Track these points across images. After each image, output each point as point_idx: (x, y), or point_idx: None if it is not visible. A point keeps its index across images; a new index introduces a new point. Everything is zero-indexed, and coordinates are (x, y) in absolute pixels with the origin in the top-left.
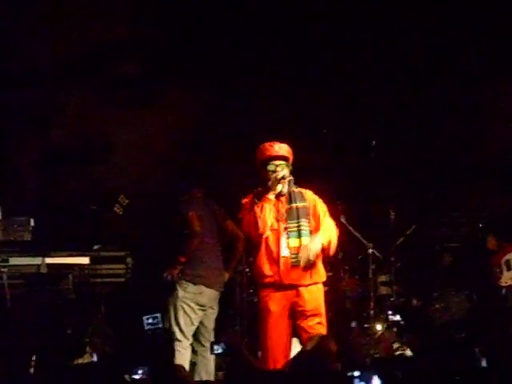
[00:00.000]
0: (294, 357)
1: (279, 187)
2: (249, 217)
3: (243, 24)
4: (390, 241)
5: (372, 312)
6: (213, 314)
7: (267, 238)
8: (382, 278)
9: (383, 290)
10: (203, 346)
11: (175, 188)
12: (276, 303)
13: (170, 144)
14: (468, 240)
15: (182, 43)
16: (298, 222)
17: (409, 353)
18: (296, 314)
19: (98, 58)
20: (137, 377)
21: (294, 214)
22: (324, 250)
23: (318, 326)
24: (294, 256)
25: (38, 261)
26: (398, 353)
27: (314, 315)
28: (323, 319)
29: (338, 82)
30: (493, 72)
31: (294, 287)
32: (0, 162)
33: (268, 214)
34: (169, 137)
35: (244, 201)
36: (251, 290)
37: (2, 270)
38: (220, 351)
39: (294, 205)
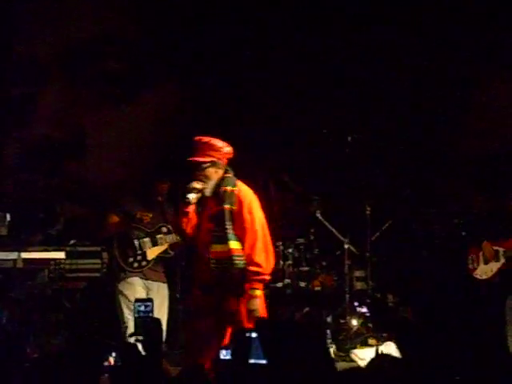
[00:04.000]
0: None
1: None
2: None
3: (221, 19)
4: (366, 236)
5: (347, 307)
6: None
7: (198, 240)
8: (358, 274)
9: (359, 286)
10: None
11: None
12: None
13: (147, 141)
14: (445, 237)
15: (161, 39)
16: (222, 226)
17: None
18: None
19: (78, 54)
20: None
21: (219, 217)
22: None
23: None
24: (213, 261)
25: (14, 255)
26: (373, 348)
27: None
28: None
29: (314, 76)
30: (479, 71)
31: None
32: None
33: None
34: (145, 133)
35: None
36: None
37: None
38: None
39: (220, 207)
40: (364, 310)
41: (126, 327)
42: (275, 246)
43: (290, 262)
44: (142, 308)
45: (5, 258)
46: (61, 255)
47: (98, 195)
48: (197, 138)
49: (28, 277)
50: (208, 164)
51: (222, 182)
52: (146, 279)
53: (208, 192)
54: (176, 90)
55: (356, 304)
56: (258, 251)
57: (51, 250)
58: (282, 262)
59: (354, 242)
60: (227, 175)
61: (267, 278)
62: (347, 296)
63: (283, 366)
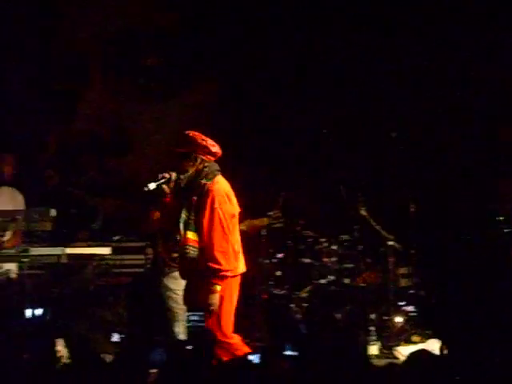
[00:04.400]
0: None
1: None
2: None
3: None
4: (410, 233)
5: (392, 304)
6: None
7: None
8: (402, 271)
9: (403, 283)
10: None
11: None
12: None
13: None
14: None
15: (203, 35)
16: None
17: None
18: None
19: (121, 51)
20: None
21: (188, 208)
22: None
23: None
24: (177, 248)
25: (58, 251)
26: (417, 345)
27: None
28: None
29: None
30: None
31: None
32: (21, 151)
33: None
34: (186, 129)
35: None
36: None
37: (23, 260)
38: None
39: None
40: (408, 307)
41: (175, 321)
42: (319, 243)
43: (334, 258)
44: (195, 318)
45: (49, 253)
46: (106, 251)
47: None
48: (185, 131)
49: (72, 272)
50: (185, 156)
51: (199, 174)
52: None
53: (182, 183)
54: (216, 87)
55: (400, 302)
56: (216, 247)
57: (95, 246)
58: (326, 259)
59: (398, 238)
60: (205, 169)
61: (227, 274)
62: (391, 293)
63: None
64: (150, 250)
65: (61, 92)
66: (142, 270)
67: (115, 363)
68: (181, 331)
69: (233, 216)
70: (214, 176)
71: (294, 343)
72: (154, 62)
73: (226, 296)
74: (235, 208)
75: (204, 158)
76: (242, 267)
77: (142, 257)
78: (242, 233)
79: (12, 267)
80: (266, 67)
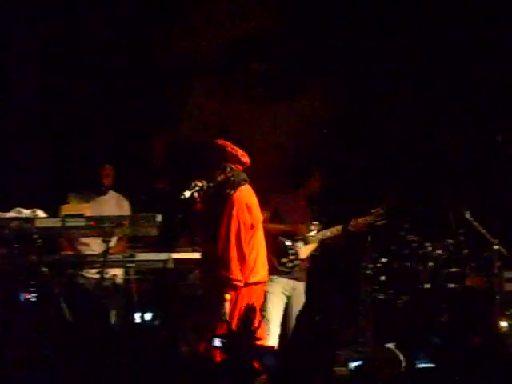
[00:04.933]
0: None
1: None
2: None
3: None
4: None
5: (497, 309)
6: None
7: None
8: (508, 275)
9: (509, 287)
10: None
11: None
12: None
13: (299, 142)
14: None
15: (313, 39)
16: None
17: None
18: None
19: (227, 55)
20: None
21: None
22: None
23: None
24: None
25: (164, 256)
26: None
27: None
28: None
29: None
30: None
31: None
32: (131, 158)
33: None
34: (297, 134)
35: None
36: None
37: (129, 265)
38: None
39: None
40: None
41: (269, 327)
42: (424, 247)
43: (438, 263)
44: None
45: (156, 258)
46: None
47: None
48: (214, 140)
49: (179, 277)
50: (214, 164)
51: (226, 184)
52: (295, 279)
53: (211, 192)
54: (324, 92)
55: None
56: (231, 255)
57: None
58: (430, 264)
59: (503, 242)
60: (231, 178)
61: (238, 284)
62: (497, 297)
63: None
64: None
65: (166, 98)
66: None
67: (222, 366)
68: (274, 332)
69: (252, 227)
70: (239, 185)
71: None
72: (262, 66)
73: (238, 306)
74: (256, 219)
75: (232, 167)
76: (261, 277)
77: None
78: (347, 233)
79: (118, 272)
80: (380, 71)
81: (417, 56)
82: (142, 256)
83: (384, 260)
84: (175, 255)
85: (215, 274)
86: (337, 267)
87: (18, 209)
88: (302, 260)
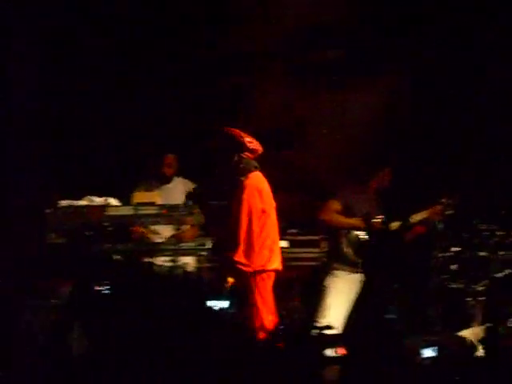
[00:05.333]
0: None
1: None
2: None
3: None
4: None
5: None
6: None
7: None
8: None
9: None
10: None
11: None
12: None
13: (366, 130)
14: None
15: (383, 27)
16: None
17: None
18: None
19: (296, 43)
20: None
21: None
22: None
23: None
24: None
25: None
26: None
27: None
28: None
29: None
30: None
31: None
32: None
33: None
34: (364, 123)
35: None
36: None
37: (201, 253)
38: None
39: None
40: None
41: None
42: (496, 236)
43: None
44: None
45: None
46: (283, 244)
47: (316, 184)
48: (223, 129)
49: None
50: (224, 152)
51: (236, 171)
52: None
53: (222, 179)
54: (394, 79)
55: None
56: (240, 239)
57: None
58: (502, 252)
59: None
60: (241, 165)
61: (241, 267)
62: None
63: None
64: (324, 244)
65: (236, 87)
66: (315, 263)
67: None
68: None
69: (263, 211)
70: (249, 172)
71: None
72: (335, 54)
73: (261, 293)
74: (267, 204)
75: (242, 154)
76: (274, 264)
77: (317, 250)
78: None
79: (189, 261)
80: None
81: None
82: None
83: (456, 249)
84: None
85: (223, 256)
86: (405, 257)
87: (89, 197)
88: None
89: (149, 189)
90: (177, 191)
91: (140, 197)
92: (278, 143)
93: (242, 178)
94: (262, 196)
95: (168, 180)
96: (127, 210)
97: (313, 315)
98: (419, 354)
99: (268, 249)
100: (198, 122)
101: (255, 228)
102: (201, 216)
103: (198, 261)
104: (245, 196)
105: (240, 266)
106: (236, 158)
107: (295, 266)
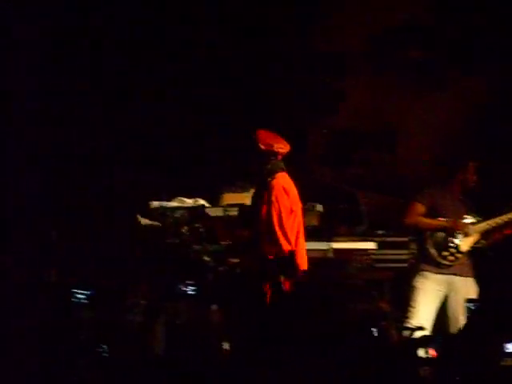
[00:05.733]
0: None
1: None
2: None
3: None
4: None
5: None
6: None
7: None
8: None
9: None
10: None
11: None
12: None
13: (458, 131)
14: None
15: (473, 27)
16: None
17: None
18: None
19: (384, 44)
20: None
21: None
22: None
23: None
24: None
25: (324, 246)
26: None
27: None
28: None
29: None
30: None
31: None
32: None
33: None
34: (456, 124)
35: None
36: None
37: None
38: None
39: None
40: None
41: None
42: None
43: None
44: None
45: (316, 248)
46: (370, 245)
47: (406, 185)
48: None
49: (337, 267)
50: (254, 154)
51: (263, 173)
52: (453, 274)
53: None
54: (484, 79)
55: None
56: (278, 234)
57: (360, 241)
58: None
59: None
60: (268, 167)
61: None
62: None
63: None
64: (414, 245)
65: (325, 89)
66: (404, 264)
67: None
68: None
69: (291, 211)
70: (276, 173)
71: None
72: (422, 54)
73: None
74: (295, 203)
75: (271, 156)
76: (300, 264)
77: (406, 251)
78: None
79: None
80: None
81: None
82: None
83: None
84: (335, 245)
85: (259, 253)
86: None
87: (180, 198)
88: (463, 253)
89: (237, 190)
90: None
91: (230, 198)
92: (367, 145)
93: (269, 179)
94: (289, 195)
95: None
96: (217, 212)
97: (403, 316)
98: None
99: (302, 246)
100: (292, 122)
101: (287, 225)
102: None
103: None
104: (273, 197)
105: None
106: (266, 160)
107: (383, 268)
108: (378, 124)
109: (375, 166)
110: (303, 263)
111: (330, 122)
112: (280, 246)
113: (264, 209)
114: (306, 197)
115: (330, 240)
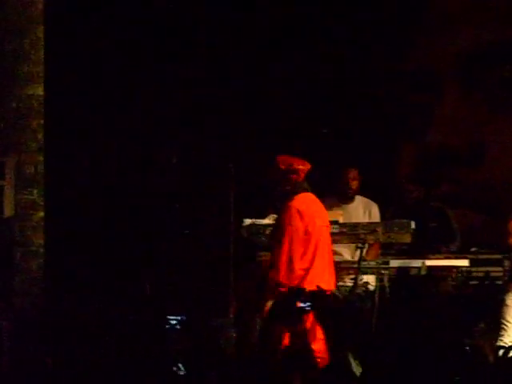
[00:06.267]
0: None
1: None
2: None
3: None
4: None
5: None
6: None
7: None
8: None
9: None
10: None
11: None
12: None
13: None
14: None
15: None
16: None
17: None
18: None
19: (476, 61)
20: None
21: None
22: None
23: None
24: None
25: (418, 263)
26: None
27: None
28: None
29: None
30: None
31: None
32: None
33: None
34: None
35: None
36: None
37: (383, 271)
38: None
39: None
40: None
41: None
42: None
43: None
44: None
45: (410, 265)
46: (464, 263)
47: (498, 202)
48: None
49: (432, 285)
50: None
51: (283, 195)
52: None
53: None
54: None
55: None
56: (282, 261)
57: (454, 258)
58: None
59: None
60: (288, 188)
61: (281, 289)
62: None
63: None
64: (507, 262)
65: (415, 106)
66: (499, 282)
67: None
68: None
69: (305, 232)
70: (295, 194)
71: None
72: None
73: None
74: (311, 225)
75: (291, 179)
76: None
77: (500, 269)
78: None
79: (370, 279)
80: None
81: None
82: (396, 263)
83: None
84: (429, 262)
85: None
86: None
87: (273, 215)
88: None
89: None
90: (359, 210)
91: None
92: (457, 161)
93: (287, 201)
94: (303, 217)
95: (351, 197)
96: None
97: (497, 334)
98: None
99: (320, 267)
100: (379, 140)
101: (296, 249)
102: (385, 235)
103: (380, 279)
104: (286, 220)
105: (281, 289)
106: (287, 184)
107: (476, 285)
108: (468, 141)
109: (466, 182)
110: (322, 282)
111: (420, 140)
112: (278, 272)
113: (279, 231)
114: (398, 215)
115: (423, 257)
